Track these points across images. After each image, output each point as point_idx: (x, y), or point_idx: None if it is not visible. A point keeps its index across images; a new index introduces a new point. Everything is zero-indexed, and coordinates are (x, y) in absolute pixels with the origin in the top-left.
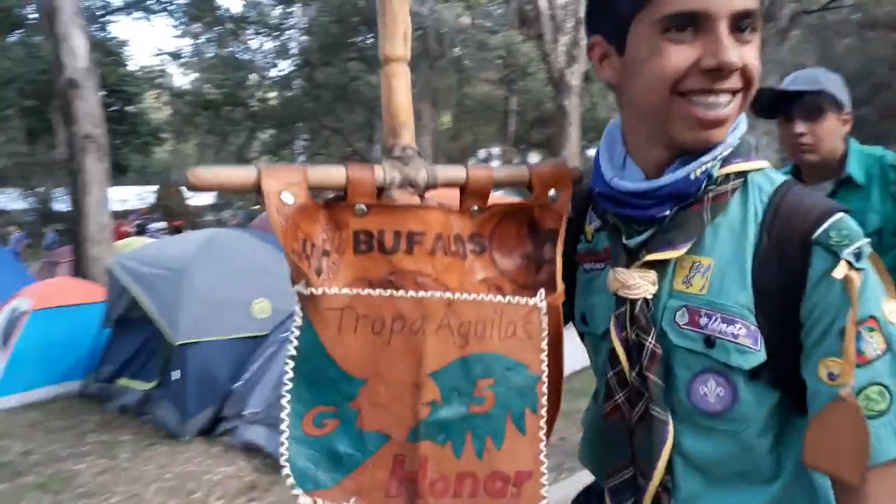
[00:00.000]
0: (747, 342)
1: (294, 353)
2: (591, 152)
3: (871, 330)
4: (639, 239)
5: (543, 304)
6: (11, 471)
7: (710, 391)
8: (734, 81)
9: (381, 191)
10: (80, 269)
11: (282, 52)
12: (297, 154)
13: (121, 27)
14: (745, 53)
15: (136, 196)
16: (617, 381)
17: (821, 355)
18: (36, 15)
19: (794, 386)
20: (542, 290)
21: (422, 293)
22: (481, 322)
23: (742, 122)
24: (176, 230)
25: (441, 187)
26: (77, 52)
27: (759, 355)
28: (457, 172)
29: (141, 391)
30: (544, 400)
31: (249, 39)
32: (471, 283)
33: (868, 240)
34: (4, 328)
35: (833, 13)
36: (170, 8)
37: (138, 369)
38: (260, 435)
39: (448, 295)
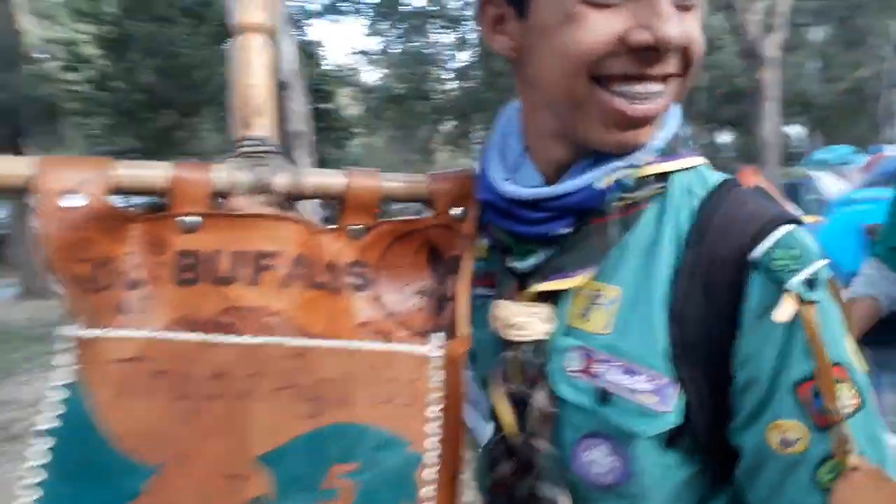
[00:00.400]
0: (651, 400)
1: (47, 427)
2: (791, 130)
3: (839, 381)
4: (529, 262)
5: (438, 354)
6: None
7: (600, 459)
8: (671, 65)
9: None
10: None
11: (461, 44)
12: (475, 144)
13: (315, 30)
14: (688, 25)
15: None
16: (502, 449)
17: (771, 417)
18: None
19: (723, 451)
20: (442, 335)
21: (258, 339)
22: (346, 380)
23: (674, 116)
24: None
25: (309, 197)
26: (286, 56)
27: (666, 418)
28: (332, 179)
29: None
30: (429, 491)
31: (432, 33)
32: (345, 327)
33: (827, 261)
34: None
35: None
36: (359, 8)
37: None
38: None
39: (299, 342)
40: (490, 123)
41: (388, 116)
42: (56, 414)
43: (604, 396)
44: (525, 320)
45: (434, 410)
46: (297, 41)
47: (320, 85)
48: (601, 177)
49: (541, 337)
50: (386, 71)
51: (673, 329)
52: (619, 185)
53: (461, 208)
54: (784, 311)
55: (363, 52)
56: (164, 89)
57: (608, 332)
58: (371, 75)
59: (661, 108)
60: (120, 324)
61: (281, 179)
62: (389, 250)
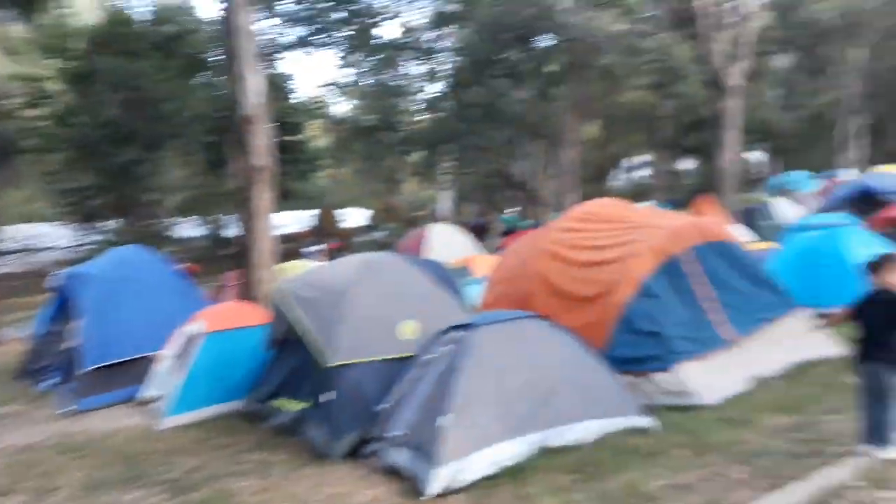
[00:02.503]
0: None
1: None
2: (751, 155)
3: None
4: None
5: None
6: (179, 486)
7: None
8: None
9: None
10: (247, 292)
11: (432, 75)
12: (441, 174)
13: (286, 62)
14: None
15: (296, 220)
16: None
17: None
18: (221, 57)
19: None
20: None
21: None
22: None
23: None
24: (336, 252)
25: None
26: (253, 90)
27: None
28: None
29: (295, 411)
30: None
31: (404, 65)
32: None
33: None
34: (181, 350)
35: None
36: (332, 41)
37: (294, 390)
38: (403, 458)
39: None
40: (458, 154)
41: (356, 148)
42: None
43: None
44: None
45: None
46: (266, 74)
47: (288, 118)
48: None
49: None
50: (356, 102)
51: None
52: None
53: None
54: None
55: (334, 84)
56: (127, 123)
57: None
58: (341, 107)
59: None
60: None
61: None
62: None
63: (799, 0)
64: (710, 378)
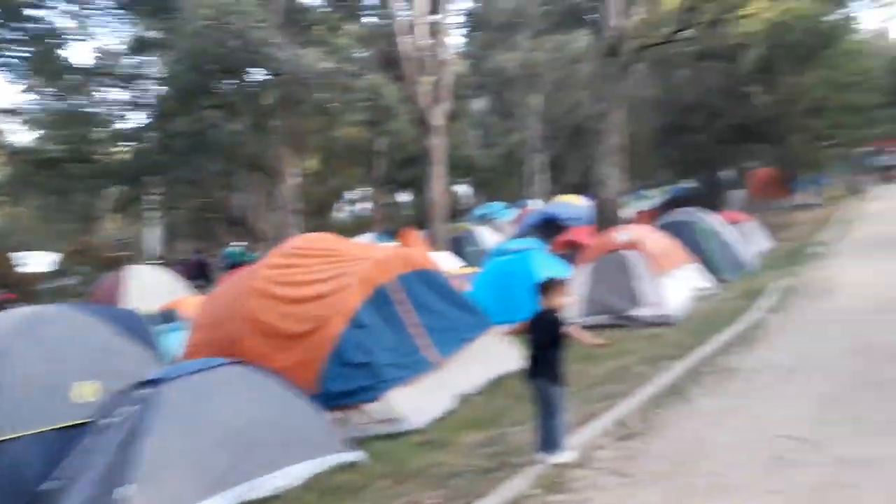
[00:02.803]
0: None
1: None
2: (460, 189)
3: None
4: None
5: None
6: None
7: None
8: None
9: None
10: None
11: (133, 104)
12: (149, 209)
13: None
14: None
15: None
16: None
17: None
18: None
19: None
20: None
21: None
22: None
23: None
24: (8, 304)
25: None
26: None
27: None
28: None
29: None
30: None
31: (99, 91)
32: None
33: None
34: None
35: (673, 46)
36: (6, 62)
37: None
38: None
39: None
40: (166, 187)
41: (39, 182)
42: None
43: None
44: None
45: None
46: None
47: None
48: None
49: None
50: (40, 131)
51: None
52: None
53: None
54: None
55: (9, 111)
56: None
57: None
58: (20, 136)
59: None
60: None
61: None
62: None
63: (488, 51)
64: (418, 402)
